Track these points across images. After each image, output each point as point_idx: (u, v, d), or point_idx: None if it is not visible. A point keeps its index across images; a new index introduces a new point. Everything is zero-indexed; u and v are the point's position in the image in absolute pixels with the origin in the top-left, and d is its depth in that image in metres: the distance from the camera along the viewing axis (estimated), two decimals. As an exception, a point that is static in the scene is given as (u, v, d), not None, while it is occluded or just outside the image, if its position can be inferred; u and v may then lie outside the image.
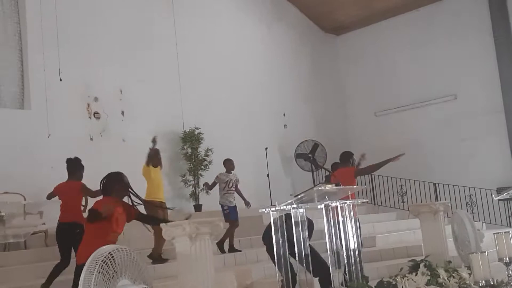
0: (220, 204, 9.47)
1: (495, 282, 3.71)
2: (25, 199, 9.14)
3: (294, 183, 14.65)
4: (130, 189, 4.72)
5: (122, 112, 11.71)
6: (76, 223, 6.34)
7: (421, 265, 4.24)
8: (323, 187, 4.35)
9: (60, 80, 10.14)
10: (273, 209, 4.46)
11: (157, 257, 8.00)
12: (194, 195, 12.26)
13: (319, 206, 4.62)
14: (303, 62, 15.86)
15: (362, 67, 16.19)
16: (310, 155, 14.26)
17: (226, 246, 9.19)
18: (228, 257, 9.14)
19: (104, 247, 3.20)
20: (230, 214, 9.23)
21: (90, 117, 11.23)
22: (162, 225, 3.78)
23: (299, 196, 4.43)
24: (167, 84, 12.19)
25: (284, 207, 4.32)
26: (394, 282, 3.93)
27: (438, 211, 5.28)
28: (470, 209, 12.86)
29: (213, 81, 13.10)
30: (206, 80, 12.96)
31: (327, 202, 4.57)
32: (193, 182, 12.30)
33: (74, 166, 6.95)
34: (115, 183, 4.69)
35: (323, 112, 15.95)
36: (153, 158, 8.51)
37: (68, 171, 7.01)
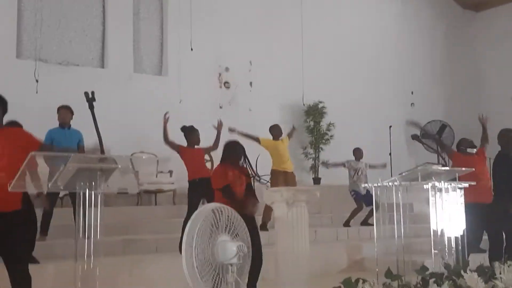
0: (349, 190, 9.75)
1: None
2: (157, 159, 9.95)
3: (418, 163, 14.32)
4: (245, 159, 5.08)
5: (250, 83, 12.20)
6: (203, 178, 6.83)
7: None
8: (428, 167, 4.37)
9: (192, 49, 10.78)
10: (375, 185, 4.56)
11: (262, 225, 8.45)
12: (314, 168, 12.51)
13: (425, 186, 4.63)
14: (437, 40, 15.30)
15: (502, 47, 15.20)
16: (436, 136, 13.82)
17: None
18: (341, 231, 9.38)
19: (209, 204, 3.57)
20: (357, 199, 9.50)
21: (220, 86, 11.85)
22: (270, 189, 4.07)
23: (403, 174, 4.49)
24: (293, 58, 12.38)
25: (387, 183, 4.40)
26: (493, 269, 3.89)
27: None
28: None
29: (340, 55, 13.12)
30: (332, 54, 13.01)
31: (433, 182, 4.57)
32: (314, 155, 12.54)
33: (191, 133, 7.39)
34: (230, 153, 5.13)
35: (455, 93, 15.33)
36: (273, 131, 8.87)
37: (187, 139, 7.45)
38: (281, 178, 8.42)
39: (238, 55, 11.84)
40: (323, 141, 12.59)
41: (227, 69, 11.80)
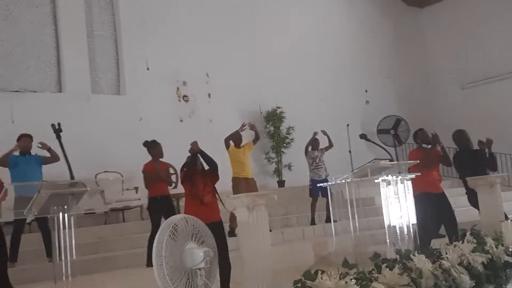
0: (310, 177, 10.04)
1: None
2: (122, 177, 10.09)
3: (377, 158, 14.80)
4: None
5: (209, 95, 12.44)
6: (164, 195, 7.12)
7: (467, 233, 4.51)
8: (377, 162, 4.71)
9: (148, 69, 11.04)
10: (330, 183, 4.88)
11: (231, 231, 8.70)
12: (278, 172, 12.83)
13: (375, 181, 4.96)
14: (385, 37, 15.84)
15: (448, 39, 15.87)
16: (392, 131, 14.35)
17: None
18: (307, 229, 9.69)
19: (176, 215, 3.82)
20: (312, 191, 9.79)
21: (179, 100, 12.06)
22: (224, 197, 4.33)
23: (355, 171, 4.81)
24: (248, 67, 12.74)
25: (340, 181, 4.72)
26: (440, 249, 4.24)
27: (495, 183, 5.46)
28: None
29: (294, 60, 13.50)
30: (286, 59, 13.38)
31: (384, 177, 4.91)
32: (276, 159, 12.86)
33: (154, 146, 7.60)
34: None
35: (406, 87, 15.89)
36: (234, 139, 9.11)
37: (150, 153, 7.66)
38: (242, 184, 8.66)
39: (194, 68, 12.07)
40: (284, 144, 12.92)
41: (184, 83, 12.01)
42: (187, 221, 3.75)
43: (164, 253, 3.58)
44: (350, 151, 13.53)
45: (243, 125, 9.01)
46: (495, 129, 14.32)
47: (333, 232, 5.11)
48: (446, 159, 6.97)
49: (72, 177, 4.50)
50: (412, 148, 11.70)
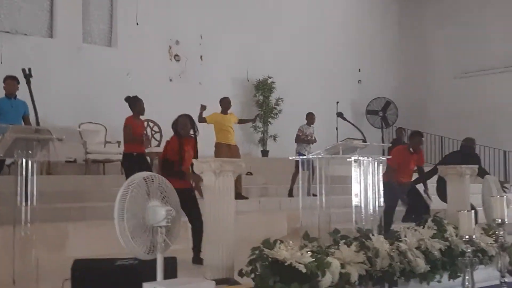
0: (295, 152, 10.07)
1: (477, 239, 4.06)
2: (106, 130, 10.12)
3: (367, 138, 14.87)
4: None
5: (201, 57, 12.38)
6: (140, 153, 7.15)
7: (429, 220, 4.60)
8: (349, 141, 4.75)
9: (137, 24, 10.89)
10: (303, 157, 4.93)
11: (238, 195, 8.80)
12: (262, 141, 12.89)
13: (348, 159, 5.02)
14: (387, 19, 15.74)
15: (448, 27, 15.76)
16: (380, 113, 14.39)
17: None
18: (284, 201, 9.77)
19: (141, 172, 3.85)
20: (297, 162, 9.85)
21: (170, 59, 12.00)
22: (198, 160, 4.36)
23: (328, 148, 4.86)
24: (245, 34, 12.59)
25: (311, 156, 4.77)
26: (399, 231, 4.33)
27: (464, 174, 5.55)
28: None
29: (289, 32, 13.38)
30: (281, 31, 13.26)
31: (355, 157, 4.96)
32: (263, 129, 12.90)
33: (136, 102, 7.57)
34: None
35: (401, 72, 15.88)
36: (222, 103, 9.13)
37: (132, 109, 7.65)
38: (224, 150, 8.71)
39: (188, 28, 11.98)
40: (272, 115, 12.94)
41: (177, 42, 11.94)
42: (152, 180, 3.79)
43: (126, 208, 3.63)
44: (336, 128, 13.51)
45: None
46: (485, 122, 14.47)
47: (300, 206, 5.16)
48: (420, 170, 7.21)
49: (37, 123, 4.50)
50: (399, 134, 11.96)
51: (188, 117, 6.01)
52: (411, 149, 7.04)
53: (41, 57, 9.91)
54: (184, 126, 5.88)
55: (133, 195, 3.67)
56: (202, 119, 8.74)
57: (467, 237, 3.84)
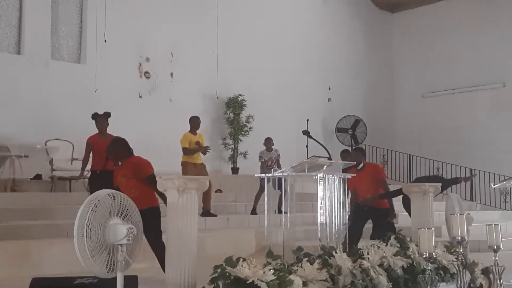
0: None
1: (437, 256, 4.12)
2: (73, 146, 10.00)
3: (333, 156, 14.96)
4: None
5: (171, 74, 12.38)
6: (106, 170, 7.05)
7: (392, 237, 4.64)
8: (315, 160, 4.79)
9: (105, 41, 10.79)
10: (269, 175, 4.95)
11: (206, 212, 8.75)
12: (233, 158, 12.89)
13: (314, 177, 5.05)
14: (354, 38, 15.97)
15: (414, 47, 16.15)
16: (350, 130, 14.55)
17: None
18: (252, 219, 9.76)
19: (103, 190, 3.81)
20: (262, 181, 9.84)
21: (140, 76, 11.96)
22: (162, 177, 4.32)
23: (294, 165, 4.88)
24: (213, 51, 12.60)
25: (277, 174, 4.79)
26: (363, 249, 4.36)
27: (428, 192, 5.64)
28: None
29: (259, 49, 13.46)
30: (252, 48, 13.34)
31: (321, 174, 5.00)
32: (233, 146, 12.91)
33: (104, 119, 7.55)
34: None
35: (370, 90, 16.10)
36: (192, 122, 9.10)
37: (98, 126, 7.63)
38: (190, 169, 8.64)
39: (159, 45, 11.99)
40: (242, 132, 12.97)
41: (147, 59, 11.92)
42: (114, 197, 3.75)
43: (86, 226, 3.58)
44: (307, 146, 13.65)
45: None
46: (450, 140, 14.74)
47: (265, 223, 5.17)
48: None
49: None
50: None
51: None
52: (356, 166, 7.13)
53: (8, 73, 9.81)
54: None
55: (94, 212, 3.63)
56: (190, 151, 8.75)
57: (427, 254, 3.90)
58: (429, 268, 4.06)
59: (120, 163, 5.95)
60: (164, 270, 5.45)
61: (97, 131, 7.75)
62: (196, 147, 8.84)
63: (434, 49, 15.63)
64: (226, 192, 11.02)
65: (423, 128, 15.61)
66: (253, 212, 9.77)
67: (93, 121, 7.80)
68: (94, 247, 3.62)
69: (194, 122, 9.08)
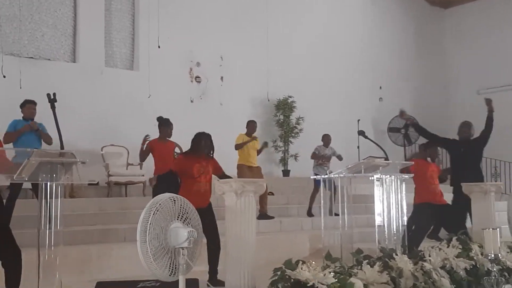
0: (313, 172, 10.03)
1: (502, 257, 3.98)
2: (128, 152, 10.21)
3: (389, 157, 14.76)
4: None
5: (222, 78, 12.47)
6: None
7: (454, 238, 4.52)
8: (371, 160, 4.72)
9: (159, 47, 10.96)
10: (324, 176, 4.91)
11: (263, 215, 8.84)
12: (283, 161, 12.87)
13: (370, 178, 4.98)
14: (406, 36, 15.72)
15: (469, 43, 15.72)
16: (403, 130, 14.29)
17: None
18: (306, 221, 9.71)
19: (164, 194, 3.87)
20: (316, 181, 9.81)
21: (191, 81, 12.11)
22: (220, 180, 4.37)
23: (349, 166, 4.83)
24: (263, 54, 12.66)
25: (333, 175, 4.75)
26: (423, 251, 4.26)
27: (489, 191, 5.46)
28: None
29: (310, 51, 13.46)
30: (302, 49, 13.34)
31: (378, 175, 4.93)
32: (283, 149, 12.89)
33: (167, 125, 7.70)
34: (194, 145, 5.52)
35: (422, 88, 15.79)
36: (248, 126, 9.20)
37: (161, 130, 7.77)
38: (246, 171, 8.72)
39: (209, 50, 12.10)
40: (293, 134, 12.94)
41: (198, 64, 12.06)
42: (174, 201, 3.80)
43: (148, 230, 3.64)
44: (358, 147, 13.50)
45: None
46: (508, 138, 14.25)
47: (322, 226, 5.12)
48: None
49: (62, 147, 4.56)
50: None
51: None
52: (428, 159, 6.99)
53: (64, 81, 10.09)
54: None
55: (155, 216, 3.69)
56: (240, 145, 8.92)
57: (492, 255, 3.78)
58: (494, 269, 3.93)
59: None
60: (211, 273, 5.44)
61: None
62: (247, 139, 8.91)
63: (489, 44, 15.17)
64: (278, 195, 11.00)
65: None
66: (309, 212, 9.77)
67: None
68: (156, 250, 3.68)
69: (251, 126, 9.23)
